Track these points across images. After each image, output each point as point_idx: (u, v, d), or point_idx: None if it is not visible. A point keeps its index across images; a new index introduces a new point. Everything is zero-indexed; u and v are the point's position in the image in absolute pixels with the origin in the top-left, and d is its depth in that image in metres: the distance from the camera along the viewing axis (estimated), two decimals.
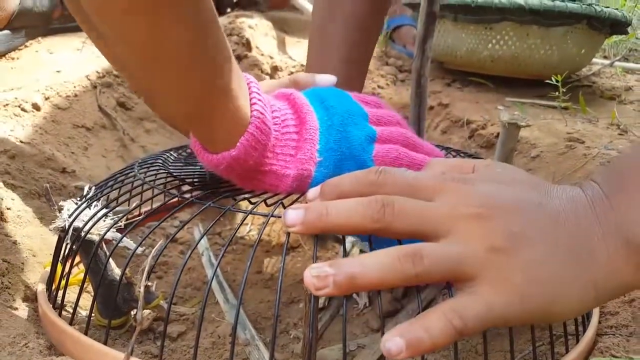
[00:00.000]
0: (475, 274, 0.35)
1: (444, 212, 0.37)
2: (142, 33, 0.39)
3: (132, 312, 0.54)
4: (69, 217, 0.51)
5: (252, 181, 0.49)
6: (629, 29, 1.25)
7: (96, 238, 0.49)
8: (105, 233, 0.47)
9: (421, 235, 0.37)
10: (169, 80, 0.43)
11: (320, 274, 0.34)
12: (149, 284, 0.44)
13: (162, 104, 0.48)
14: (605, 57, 1.69)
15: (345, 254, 0.47)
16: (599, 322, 0.52)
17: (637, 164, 0.38)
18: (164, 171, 0.58)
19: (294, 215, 0.38)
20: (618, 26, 1.17)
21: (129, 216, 0.54)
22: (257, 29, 1.30)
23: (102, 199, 0.54)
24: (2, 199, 0.62)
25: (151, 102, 0.51)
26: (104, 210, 0.50)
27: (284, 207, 0.50)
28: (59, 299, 0.49)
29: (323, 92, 0.55)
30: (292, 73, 1.25)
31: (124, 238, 0.49)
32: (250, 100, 0.47)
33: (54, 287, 0.51)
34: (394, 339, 0.32)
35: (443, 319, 0.33)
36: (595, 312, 0.52)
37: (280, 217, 0.41)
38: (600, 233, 0.36)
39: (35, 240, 0.62)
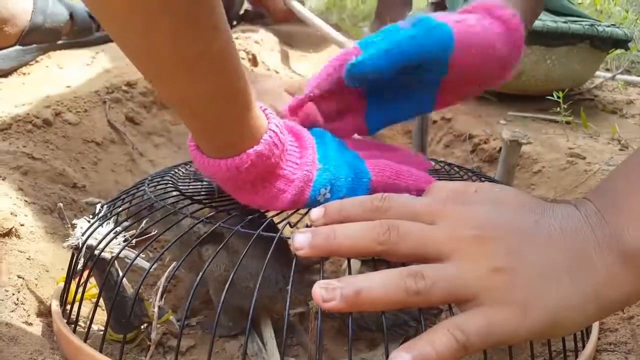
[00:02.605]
0: (477, 294, 0.36)
1: (446, 235, 0.38)
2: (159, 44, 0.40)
3: (142, 327, 0.56)
4: (82, 235, 0.52)
5: (264, 184, 0.50)
6: (630, 44, 1.27)
7: (109, 256, 0.50)
8: (119, 253, 0.48)
9: (424, 257, 0.39)
10: (200, 85, 0.43)
11: (328, 287, 0.36)
12: (161, 303, 0.46)
13: (191, 111, 0.48)
14: (607, 70, 1.71)
15: (351, 272, 0.49)
16: (598, 339, 0.53)
17: (626, 179, 0.40)
18: (173, 188, 0.60)
19: (302, 238, 0.40)
20: (620, 43, 1.18)
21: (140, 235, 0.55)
22: (263, 44, 1.32)
23: (114, 217, 0.55)
24: (16, 216, 0.64)
25: (182, 111, 0.49)
26: (117, 229, 0.52)
27: (291, 226, 0.52)
28: (74, 315, 0.50)
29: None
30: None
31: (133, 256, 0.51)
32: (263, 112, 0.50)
33: (67, 304, 0.53)
34: (400, 356, 0.34)
35: (447, 335, 0.35)
36: (595, 329, 0.53)
37: (289, 237, 0.43)
38: (596, 246, 0.37)
39: (48, 256, 0.64)
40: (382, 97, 0.60)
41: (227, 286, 0.41)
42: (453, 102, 0.62)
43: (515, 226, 0.38)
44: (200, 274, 0.42)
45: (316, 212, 0.43)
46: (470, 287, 0.36)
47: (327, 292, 0.36)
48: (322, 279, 0.43)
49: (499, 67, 0.59)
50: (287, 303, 0.41)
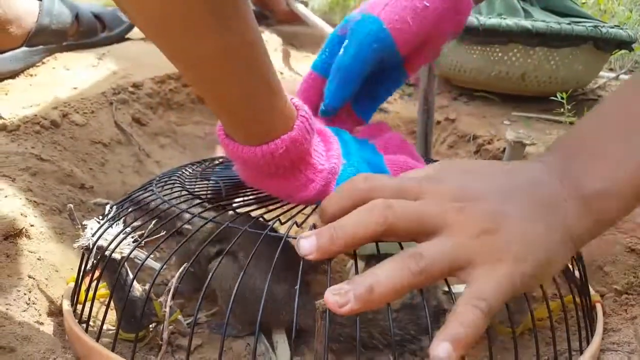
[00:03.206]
0: (473, 258, 0.39)
1: (435, 211, 0.41)
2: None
3: (151, 326, 0.57)
4: (92, 236, 0.53)
5: (294, 172, 0.51)
6: (634, 45, 1.27)
7: (119, 257, 0.51)
8: (130, 253, 0.49)
9: (421, 233, 0.41)
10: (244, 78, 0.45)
11: (341, 292, 0.37)
12: (171, 304, 0.47)
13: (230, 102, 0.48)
14: (611, 70, 1.71)
15: (357, 269, 0.49)
16: (602, 339, 0.54)
17: (582, 134, 0.45)
18: (181, 188, 0.61)
19: (308, 244, 0.40)
20: (623, 44, 1.19)
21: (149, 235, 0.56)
22: (267, 45, 1.33)
23: (123, 218, 0.56)
24: (26, 216, 0.65)
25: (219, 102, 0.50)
26: (127, 230, 0.53)
27: (298, 226, 0.53)
28: (85, 315, 0.51)
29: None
30: None
31: (143, 257, 0.51)
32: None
33: (79, 304, 0.54)
34: (440, 345, 0.35)
35: (471, 308, 0.36)
36: (599, 328, 0.54)
37: (295, 237, 0.44)
38: (563, 193, 0.42)
39: (57, 256, 0.65)
40: (361, 92, 0.63)
41: (232, 297, 0.41)
42: (425, 62, 0.65)
43: (491, 189, 0.42)
44: (206, 283, 0.43)
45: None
46: (467, 254, 0.39)
47: (340, 297, 0.37)
48: (330, 279, 0.44)
49: (451, 25, 0.61)
50: (295, 314, 0.42)
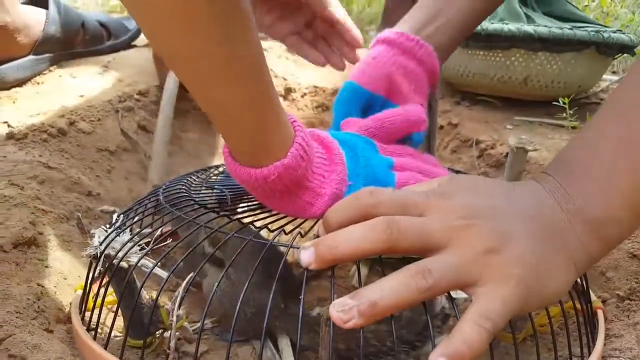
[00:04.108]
0: (480, 276, 0.39)
1: (440, 227, 0.41)
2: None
3: (157, 332, 0.57)
4: (100, 244, 0.54)
5: (291, 197, 0.51)
6: (636, 49, 1.27)
7: (127, 265, 0.52)
8: (138, 262, 0.50)
9: (425, 249, 0.41)
10: (232, 90, 0.45)
11: (345, 308, 0.38)
12: (179, 312, 0.47)
13: (226, 120, 0.49)
14: (613, 73, 1.71)
15: (360, 277, 0.50)
16: (604, 345, 0.54)
17: (581, 157, 0.45)
18: (187, 197, 0.61)
19: (307, 254, 0.41)
20: (626, 49, 1.19)
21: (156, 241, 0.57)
22: (272, 51, 1.34)
23: (131, 226, 0.57)
24: (34, 225, 0.66)
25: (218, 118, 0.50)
26: (134, 238, 0.54)
27: (302, 236, 0.54)
28: (93, 323, 0.52)
29: (339, 134, 0.59)
30: (304, 95, 1.29)
31: (149, 264, 0.52)
32: (288, 118, 0.51)
33: (87, 311, 0.55)
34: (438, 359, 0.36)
35: (475, 326, 0.37)
36: (600, 335, 0.54)
37: (299, 247, 0.44)
38: (565, 219, 0.43)
39: (65, 264, 0.66)
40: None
41: (238, 305, 0.42)
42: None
43: (496, 209, 0.42)
44: (211, 295, 0.44)
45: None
46: (472, 271, 0.39)
47: (344, 313, 0.37)
48: (333, 286, 0.44)
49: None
50: (300, 327, 0.43)
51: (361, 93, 0.65)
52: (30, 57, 1.07)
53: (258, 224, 0.55)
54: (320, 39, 0.77)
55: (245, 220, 0.55)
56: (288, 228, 0.55)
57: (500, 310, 0.38)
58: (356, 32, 0.75)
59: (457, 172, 0.75)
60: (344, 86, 0.66)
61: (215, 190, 0.66)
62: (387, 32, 0.67)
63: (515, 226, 0.41)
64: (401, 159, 0.60)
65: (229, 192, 0.63)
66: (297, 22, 0.74)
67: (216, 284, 0.46)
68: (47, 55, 1.10)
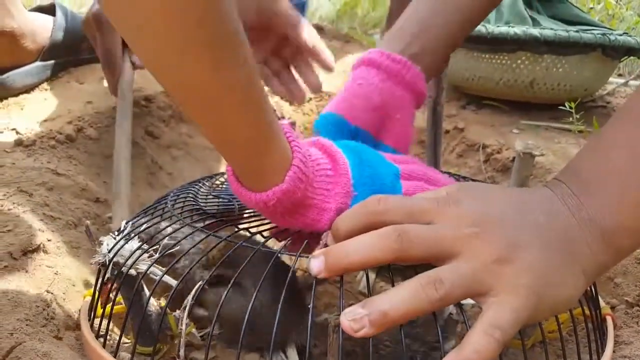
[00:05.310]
0: (491, 286, 0.39)
1: (450, 235, 0.41)
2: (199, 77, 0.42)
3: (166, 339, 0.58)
4: (109, 252, 0.54)
5: (295, 216, 0.51)
6: None
7: (135, 273, 0.52)
8: (147, 270, 0.50)
9: (435, 258, 0.41)
10: (219, 118, 0.45)
11: (356, 317, 0.38)
12: (187, 321, 0.48)
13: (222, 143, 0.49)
14: (619, 75, 1.70)
15: (369, 284, 0.50)
16: (613, 352, 0.54)
17: (594, 161, 0.46)
18: (194, 205, 0.62)
19: (317, 263, 0.42)
20: (632, 52, 1.19)
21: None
22: None
23: (139, 234, 0.57)
24: (43, 232, 0.66)
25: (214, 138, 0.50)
26: (143, 246, 0.54)
27: (309, 246, 0.54)
28: (102, 330, 0.52)
29: (343, 141, 0.58)
30: (310, 99, 1.29)
31: (158, 272, 0.52)
32: (286, 137, 0.49)
33: (96, 318, 0.55)
34: None
35: (486, 336, 0.37)
36: (610, 342, 0.54)
37: (307, 256, 0.44)
38: (577, 228, 0.43)
39: (74, 270, 0.66)
40: None
41: (246, 317, 0.42)
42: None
43: (507, 217, 0.42)
44: (219, 307, 0.44)
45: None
46: (484, 281, 0.39)
47: (355, 322, 0.38)
48: (342, 294, 0.45)
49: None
50: (308, 335, 0.43)
51: (347, 129, 0.63)
52: (38, 63, 1.08)
53: (265, 233, 0.55)
54: (286, 67, 0.75)
55: (253, 230, 0.56)
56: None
57: (511, 320, 0.38)
58: (327, 56, 0.71)
59: (464, 178, 0.75)
60: (327, 116, 0.63)
61: (221, 199, 0.66)
62: (372, 53, 0.65)
63: (526, 234, 0.41)
64: (408, 166, 0.59)
65: (237, 201, 0.63)
66: (263, 49, 0.71)
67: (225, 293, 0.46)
68: (54, 61, 1.11)
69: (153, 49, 0.41)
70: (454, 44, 0.69)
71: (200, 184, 0.71)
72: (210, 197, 0.67)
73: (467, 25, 0.68)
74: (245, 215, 0.61)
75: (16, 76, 1.04)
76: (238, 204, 0.62)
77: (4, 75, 1.02)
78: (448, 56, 0.71)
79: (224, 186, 0.73)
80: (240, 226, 0.57)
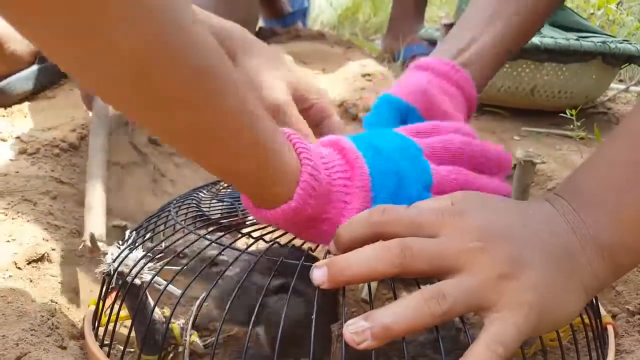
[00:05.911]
0: (494, 302, 0.39)
1: (454, 249, 0.41)
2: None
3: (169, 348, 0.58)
4: (113, 261, 0.55)
5: (310, 230, 0.50)
6: None
7: (139, 282, 0.53)
8: (151, 280, 0.50)
9: (438, 272, 0.41)
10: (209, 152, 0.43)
11: (358, 330, 0.38)
12: (192, 332, 0.48)
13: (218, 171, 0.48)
14: (620, 81, 1.71)
15: (370, 292, 0.50)
16: None
17: (594, 177, 0.46)
18: (197, 211, 0.62)
19: (320, 273, 0.42)
20: (632, 59, 1.20)
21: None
22: None
23: (143, 243, 0.57)
24: (47, 241, 0.67)
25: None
26: (147, 256, 0.54)
27: (312, 251, 0.54)
28: (106, 339, 0.53)
29: (370, 135, 0.55)
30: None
31: (163, 282, 0.53)
32: (295, 150, 0.47)
33: (100, 328, 0.55)
34: None
35: (488, 352, 0.38)
36: (611, 351, 0.54)
37: (310, 265, 0.45)
38: (578, 243, 0.43)
39: (77, 279, 0.67)
40: None
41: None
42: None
43: (511, 231, 0.43)
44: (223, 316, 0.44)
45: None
46: (487, 297, 0.40)
47: (357, 335, 0.38)
48: (344, 304, 0.45)
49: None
50: (313, 330, 0.43)
51: (396, 103, 0.62)
52: (35, 66, 1.07)
53: (267, 237, 0.55)
54: None
55: (255, 235, 0.56)
56: (298, 242, 0.55)
57: (513, 336, 0.39)
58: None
59: None
60: (378, 100, 0.63)
61: (224, 203, 0.67)
62: (417, 60, 0.65)
63: (530, 250, 0.42)
64: (445, 168, 0.55)
65: (239, 204, 0.63)
66: None
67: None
68: (51, 63, 1.11)
69: (128, 96, 0.39)
70: (499, 55, 0.69)
71: (201, 191, 0.71)
72: (213, 202, 0.67)
73: (513, 36, 0.68)
74: (247, 223, 0.62)
75: (15, 82, 1.04)
76: (242, 211, 0.63)
77: (3, 83, 1.02)
78: (496, 70, 0.71)
79: (229, 190, 0.73)
80: (243, 231, 0.56)
